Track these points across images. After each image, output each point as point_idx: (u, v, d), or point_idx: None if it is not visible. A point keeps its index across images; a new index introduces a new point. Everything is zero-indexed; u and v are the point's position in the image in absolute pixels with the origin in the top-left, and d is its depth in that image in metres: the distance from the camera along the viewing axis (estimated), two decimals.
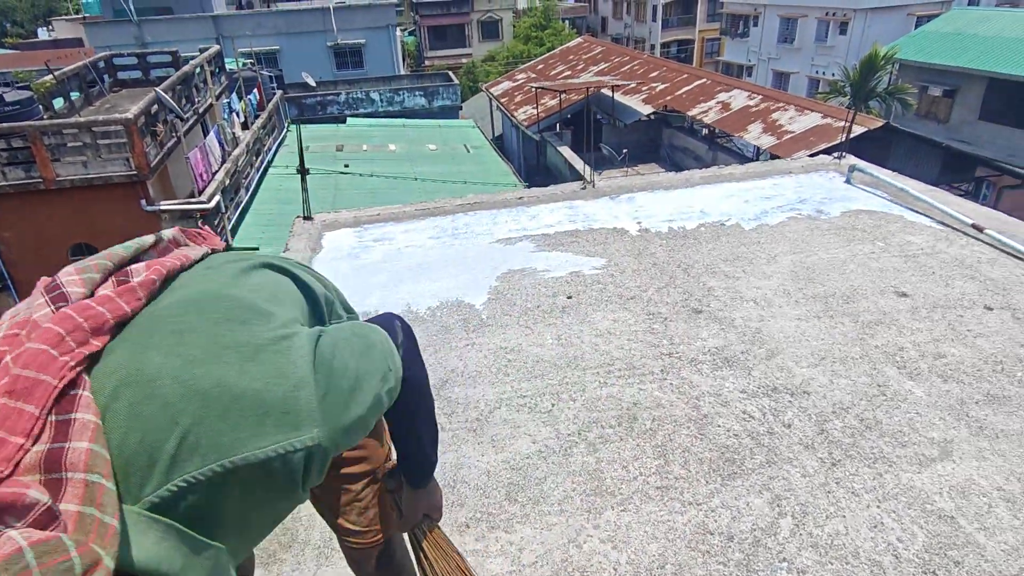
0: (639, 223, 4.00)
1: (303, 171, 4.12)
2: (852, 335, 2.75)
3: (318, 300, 0.98)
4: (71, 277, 0.76)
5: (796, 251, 3.51)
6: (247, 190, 14.13)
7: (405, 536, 1.29)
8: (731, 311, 2.98)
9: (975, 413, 2.27)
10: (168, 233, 0.94)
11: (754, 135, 12.92)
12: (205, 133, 13.41)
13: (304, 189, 4.07)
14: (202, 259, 0.92)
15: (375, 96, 24.14)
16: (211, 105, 13.60)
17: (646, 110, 16.56)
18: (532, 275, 3.40)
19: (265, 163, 16.10)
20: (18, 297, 11.21)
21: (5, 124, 9.87)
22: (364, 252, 3.78)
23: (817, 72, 27.86)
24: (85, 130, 10.08)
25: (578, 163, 15.71)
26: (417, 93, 24.72)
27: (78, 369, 0.65)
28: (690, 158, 16.29)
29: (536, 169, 19.55)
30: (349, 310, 1.08)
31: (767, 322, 2.88)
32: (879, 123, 11.73)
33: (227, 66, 17.22)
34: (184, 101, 12.87)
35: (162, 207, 10.85)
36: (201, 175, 11.64)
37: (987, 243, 3.46)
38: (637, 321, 2.93)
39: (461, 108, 25.88)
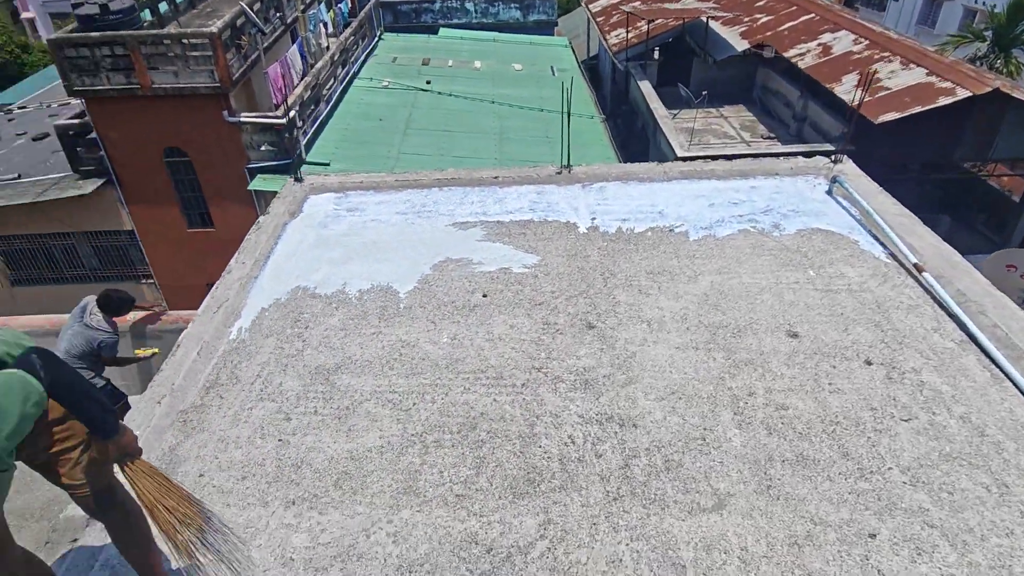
0: (593, 219, 4.15)
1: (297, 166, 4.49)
2: (715, 373, 2.93)
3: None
4: None
5: (722, 272, 3.59)
6: (327, 103, 14.73)
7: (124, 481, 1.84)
8: (620, 331, 3.20)
9: (774, 471, 2.46)
10: None
11: (846, 88, 11.85)
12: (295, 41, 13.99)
13: (297, 160, 4.47)
14: None
15: (469, 6, 23.70)
16: (297, 17, 14.06)
17: (741, 45, 15.40)
18: (464, 267, 3.71)
19: (350, 75, 16.56)
20: (122, 192, 12.65)
21: (109, 32, 10.81)
22: (333, 222, 4.20)
23: (977, 2, 24.31)
24: (176, 41, 10.87)
25: (655, 101, 15.11)
26: (513, 5, 24.01)
27: None
28: (781, 104, 15.17)
29: (622, 100, 18.90)
30: (23, 347, 1.68)
31: (646, 348, 3.09)
32: (987, 87, 10.38)
33: None
34: (272, 11, 13.40)
35: (242, 119, 11.68)
36: (280, 89, 12.30)
37: (922, 286, 3.39)
38: (530, 330, 3.22)
39: (557, 24, 24.95)
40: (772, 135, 14.65)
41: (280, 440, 2.67)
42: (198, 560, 1.89)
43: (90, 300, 4.88)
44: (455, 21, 23.57)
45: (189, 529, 1.87)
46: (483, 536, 2.27)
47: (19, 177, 13.31)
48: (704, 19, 16.12)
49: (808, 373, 2.90)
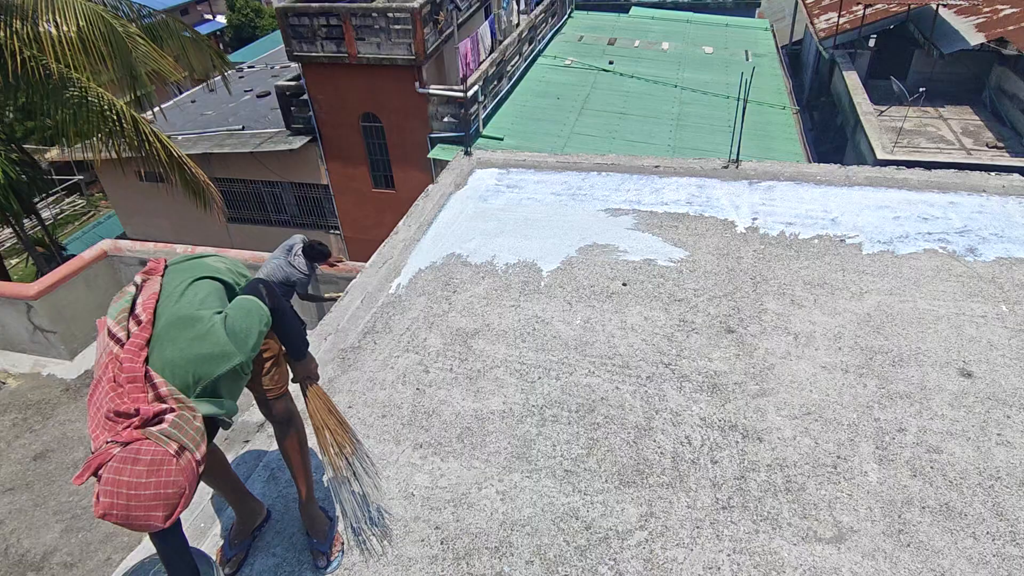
0: (754, 219, 3.96)
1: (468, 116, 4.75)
2: (863, 400, 2.71)
3: (230, 285, 1.94)
4: (117, 327, 1.63)
5: (894, 292, 3.27)
6: (510, 79, 15.21)
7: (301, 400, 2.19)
8: (762, 340, 3.06)
9: (910, 516, 2.26)
10: (137, 279, 1.77)
11: None
12: (487, 17, 14.59)
13: (470, 134, 4.73)
14: (161, 288, 1.73)
15: None
16: None
17: (976, 39, 13.37)
18: (609, 253, 3.75)
19: (536, 52, 16.92)
20: (323, 149, 14.11)
21: (327, 3, 12.04)
22: (493, 196, 4.42)
23: None
24: (381, 14, 11.83)
25: (860, 94, 13.68)
26: None
27: (144, 365, 1.54)
28: (1017, 110, 12.99)
29: (823, 91, 17.36)
30: (244, 275, 2.02)
31: (788, 362, 2.93)
32: None
33: None
34: None
35: (430, 91, 12.47)
36: (468, 64, 12.93)
37: None
38: (665, 325, 3.20)
39: (760, 5, 23.36)
40: (1000, 144, 12.66)
41: (418, 389, 2.94)
42: (344, 475, 2.18)
43: (297, 242, 5.63)
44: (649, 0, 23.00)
45: (343, 450, 2.16)
46: (584, 513, 2.35)
47: (243, 128, 15.39)
48: (934, 5, 14.20)
49: (975, 418, 2.59)
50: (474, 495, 2.45)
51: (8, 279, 9.24)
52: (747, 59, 17.56)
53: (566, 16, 19.66)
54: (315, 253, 5.46)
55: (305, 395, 2.17)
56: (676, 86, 16.13)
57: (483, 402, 2.85)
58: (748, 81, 4.32)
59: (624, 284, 3.49)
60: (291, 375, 2.17)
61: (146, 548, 2.33)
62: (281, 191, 15.90)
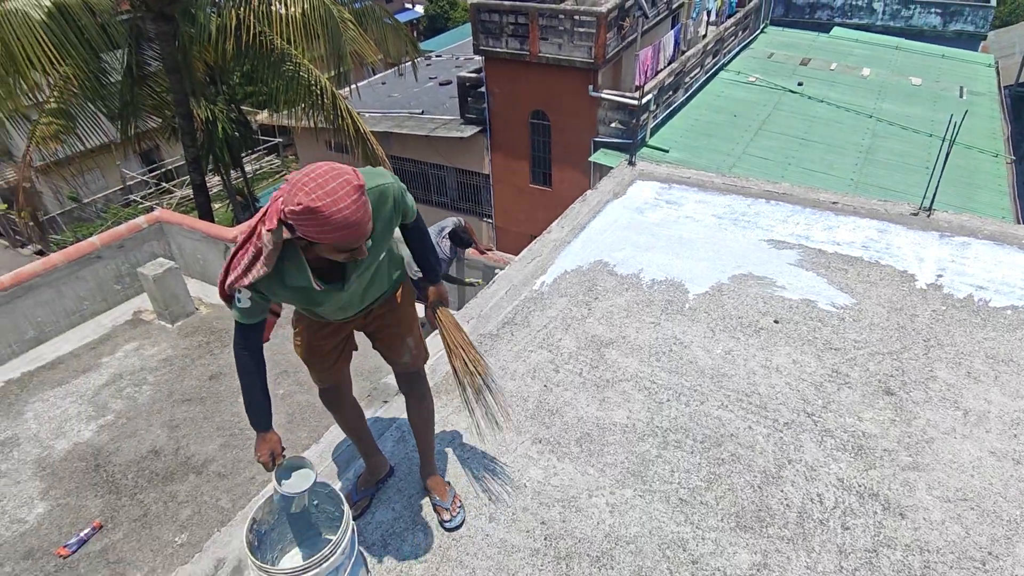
0: (939, 276, 3.58)
1: (637, 125, 4.72)
2: None
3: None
4: None
5: None
6: (686, 91, 14.84)
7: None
8: (924, 409, 2.78)
9: None
10: None
11: None
12: (673, 27, 14.36)
13: (638, 141, 4.72)
14: None
15: (877, 6, 21.11)
16: (682, 3, 14.29)
17: None
18: (764, 286, 3.57)
19: (719, 65, 16.34)
20: (491, 140, 14.67)
21: (518, 3, 12.48)
22: (650, 210, 4.38)
23: None
24: (568, 17, 12.05)
25: None
26: (933, 10, 20.66)
27: None
28: None
29: None
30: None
31: (951, 440, 2.64)
32: None
33: None
34: None
35: (603, 95, 12.52)
36: (646, 72, 12.81)
37: None
38: (814, 373, 3.00)
39: (985, 38, 20.74)
40: None
41: (545, 386, 3.01)
42: (482, 400, 2.28)
43: (448, 224, 5.99)
44: (854, 21, 21.29)
45: (476, 374, 2.25)
46: (693, 547, 2.29)
47: (422, 113, 16.43)
48: None
49: None
50: (583, 501, 2.48)
51: (213, 221, 10.64)
52: (961, 96, 15.72)
53: (758, 31, 18.76)
54: (457, 239, 5.80)
55: (439, 320, 2.28)
56: (871, 116, 14.83)
57: (607, 412, 2.86)
58: (959, 122, 3.89)
59: (776, 321, 3.32)
60: (427, 299, 2.30)
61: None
62: (445, 175, 16.80)
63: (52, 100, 9.00)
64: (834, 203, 4.27)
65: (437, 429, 2.58)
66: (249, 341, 1.95)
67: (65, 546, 4.70)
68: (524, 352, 3.24)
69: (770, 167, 12.12)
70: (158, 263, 6.84)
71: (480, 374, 2.26)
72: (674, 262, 3.83)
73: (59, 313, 6.79)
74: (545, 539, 2.35)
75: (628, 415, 2.83)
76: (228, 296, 1.85)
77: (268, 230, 1.62)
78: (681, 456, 2.63)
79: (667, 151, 13.11)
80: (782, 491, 2.47)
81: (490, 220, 16.56)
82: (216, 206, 28.75)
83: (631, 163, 4.88)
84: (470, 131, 14.69)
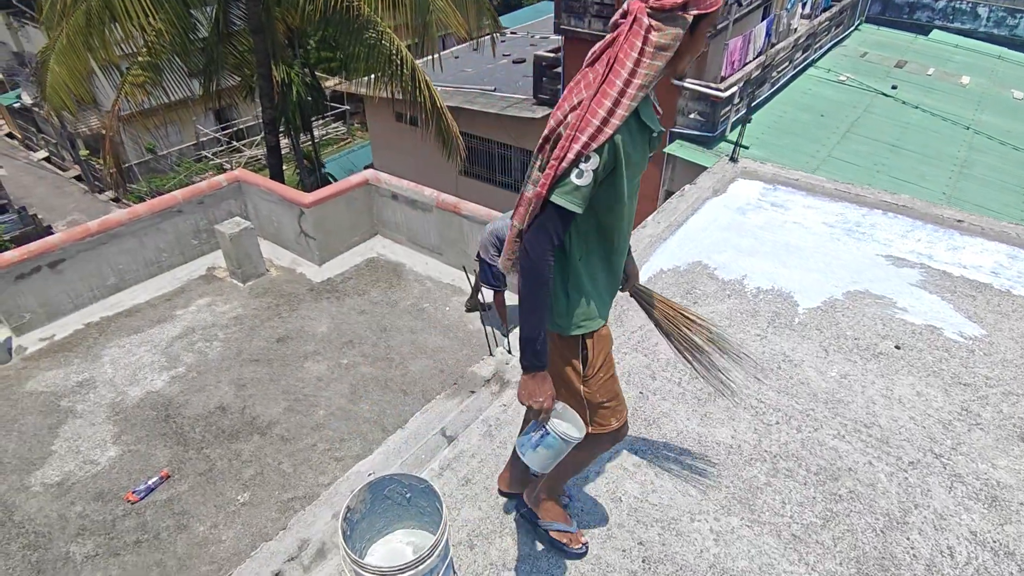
0: None
1: (745, 119, 4.42)
2: None
3: None
4: None
5: None
6: (772, 85, 14.18)
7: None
8: None
9: None
10: None
11: None
12: (765, 17, 13.69)
13: (740, 135, 4.44)
14: None
15: (982, 11, 19.70)
16: None
17: None
18: (883, 307, 3.28)
19: (808, 61, 15.55)
20: None
21: None
22: (753, 211, 4.10)
23: None
24: None
25: None
26: None
27: None
28: None
29: None
30: None
31: None
32: None
33: None
34: None
35: (684, 83, 12.05)
36: (733, 63, 12.26)
37: None
38: (941, 409, 2.72)
39: None
40: None
41: (641, 393, 2.83)
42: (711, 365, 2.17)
43: None
44: (956, 25, 19.93)
45: (701, 325, 2.14)
46: None
47: (494, 90, 16.23)
48: None
49: None
50: (685, 524, 2.30)
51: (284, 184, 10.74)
52: None
53: (852, 28, 17.79)
54: None
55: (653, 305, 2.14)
56: (968, 128, 13.89)
57: (709, 429, 2.66)
58: None
59: (897, 347, 3.03)
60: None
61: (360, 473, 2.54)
62: (511, 155, 16.60)
63: (144, 53, 9.18)
64: (959, 221, 3.91)
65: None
66: (556, 245, 1.60)
67: (134, 492, 4.81)
68: (617, 354, 3.05)
69: (856, 172, 11.49)
70: (235, 222, 6.92)
71: (705, 335, 2.12)
72: (780, 271, 3.57)
73: (139, 263, 6.95)
74: (643, 561, 2.19)
75: (733, 435, 2.63)
76: (564, 172, 1.54)
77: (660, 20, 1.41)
78: (793, 487, 2.42)
79: (747, 147, 12.58)
80: (908, 539, 2.24)
81: None
82: (283, 169, 29.37)
83: (733, 160, 4.60)
84: (542, 112, 14.41)
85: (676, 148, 12.63)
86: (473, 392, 2.86)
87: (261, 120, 11.69)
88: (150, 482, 4.87)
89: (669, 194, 13.95)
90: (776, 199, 4.23)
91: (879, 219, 3.99)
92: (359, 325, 6.54)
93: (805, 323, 3.20)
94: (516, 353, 3.05)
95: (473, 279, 6.54)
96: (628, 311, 3.32)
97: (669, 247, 3.81)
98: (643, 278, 3.56)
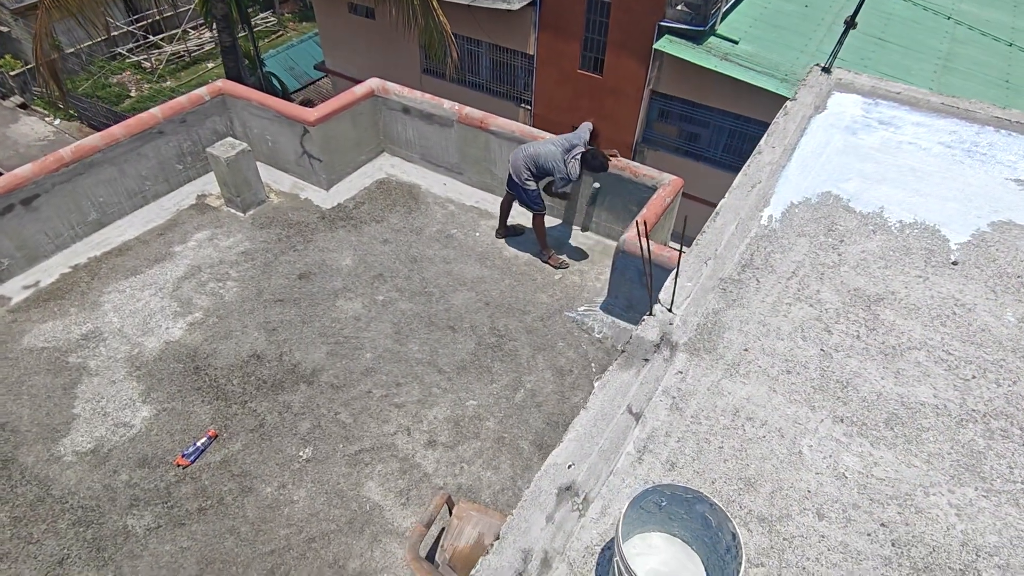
0: None
1: (850, 23, 4.02)
2: None
3: None
4: None
5: None
6: None
7: None
8: None
9: None
10: None
11: None
12: None
13: (839, 43, 4.04)
14: None
15: None
16: None
17: None
18: None
19: None
20: (540, 16, 13.27)
21: None
22: (863, 131, 3.80)
23: None
24: None
25: None
26: None
27: None
28: None
29: None
30: None
31: None
32: None
33: None
34: None
35: None
36: None
37: None
38: None
39: None
40: None
41: (822, 350, 2.62)
42: None
43: (580, 144, 5.43)
44: None
45: None
46: None
47: None
48: None
49: None
50: (921, 499, 2.16)
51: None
52: None
53: None
54: (595, 164, 5.42)
55: None
56: (949, 18, 13.71)
57: (907, 388, 2.49)
58: None
59: None
60: None
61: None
62: (480, 52, 15.45)
63: None
64: None
65: (716, 400, 2.20)
66: None
67: (183, 455, 4.43)
68: (781, 304, 2.81)
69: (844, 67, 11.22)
70: (228, 143, 6.13)
71: None
72: (915, 200, 3.33)
73: (121, 194, 6.14)
74: (893, 545, 2.05)
75: (934, 393, 2.47)
76: None
77: None
78: (1015, 449, 2.30)
79: (736, 42, 12.07)
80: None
81: (528, 107, 15.49)
82: (209, 66, 26.74)
83: (826, 71, 4.22)
84: (519, 3, 13.28)
85: (665, 45, 11.97)
86: (647, 360, 2.57)
87: (195, 11, 10.24)
88: (198, 443, 4.49)
89: (654, 93, 13.41)
90: (882, 116, 3.92)
91: (994, 137, 3.76)
92: (385, 256, 6.06)
93: (962, 261, 3.01)
94: (677, 312, 2.76)
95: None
96: (774, 254, 3.04)
97: (790, 175, 3.49)
98: (776, 213, 3.27)
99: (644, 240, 3.76)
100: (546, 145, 5.43)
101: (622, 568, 1.63)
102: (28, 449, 4.45)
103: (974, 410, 2.42)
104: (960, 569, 2.00)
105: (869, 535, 2.07)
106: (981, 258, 3.03)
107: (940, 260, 3.01)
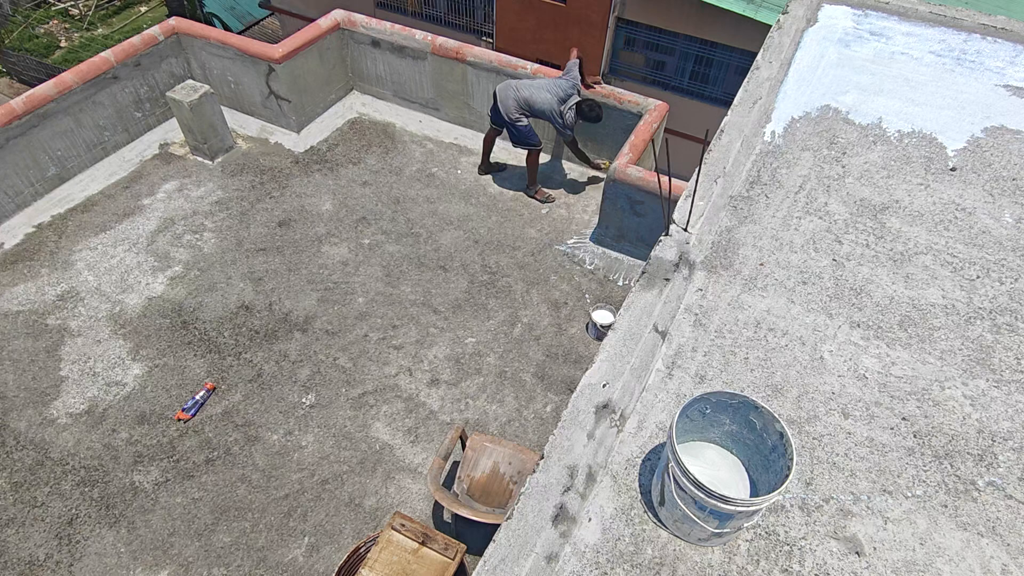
0: None
1: None
2: None
3: None
4: None
5: None
6: None
7: None
8: None
9: None
10: None
11: None
12: None
13: None
14: None
15: None
16: None
17: None
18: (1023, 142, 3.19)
19: None
20: None
21: None
22: (856, 43, 3.78)
23: None
24: None
25: None
26: None
27: None
28: None
29: None
30: None
31: None
32: None
33: None
34: None
35: None
36: None
37: None
38: None
39: None
40: None
41: (834, 260, 2.67)
42: None
43: (574, 94, 5.28)
44: None
45: None
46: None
47: None
48: None
49: None
50: (937, 393, 2.27)
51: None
52: None
53: None
54: (592, 115, 5.32)
55: None
56: None
57: (917, 291, 2.57)
58: None
59: None
60: None
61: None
62: None
63: None
64: None
65: (737, 314, 2.24)
66: None
67: (183, 410, 4.37)
68: (791, 218, 2.84)
69: None
70: (190, 87, 5.79)
71: None
72: (911, 109, 3.36)
73: (79, 146, 5.79)
74: (915, 436, 2.16)
75: (943, 295, 2.56)
76: None
77: None
78: (1020, 341, 2.41)
79: None
80: None
81: (489, 39, 14.98)
82: (142, 10, 25.05)
83: None
84: None
85: None
86: (668, 280, 2.59)
87: None
88: (197, 397, 4.43)
89: (619, 20, 13.08)
90: (873, 27, 3.90)
91: (982, 45, 3.78)
92: (366, 199, 5.91)
93: (959, 166, 3.07)
94: (692, 231, 2.77)
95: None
96: (780, 169, 3.06)
97: (788, 90, 3.48)
98: (778, 128, 3.26)
99: (655, 161, 3.72)
100: (540, 92, 5.25)
101: (679, 473, 1.67)
102: (18, 414, 4.33)
103: (980, 308, 2.52)
104: (978, 454, 2.12)
105: (892, 429, 2.17)
106: (977, 163, 3.09)
107: (939, 167, 3.07)
